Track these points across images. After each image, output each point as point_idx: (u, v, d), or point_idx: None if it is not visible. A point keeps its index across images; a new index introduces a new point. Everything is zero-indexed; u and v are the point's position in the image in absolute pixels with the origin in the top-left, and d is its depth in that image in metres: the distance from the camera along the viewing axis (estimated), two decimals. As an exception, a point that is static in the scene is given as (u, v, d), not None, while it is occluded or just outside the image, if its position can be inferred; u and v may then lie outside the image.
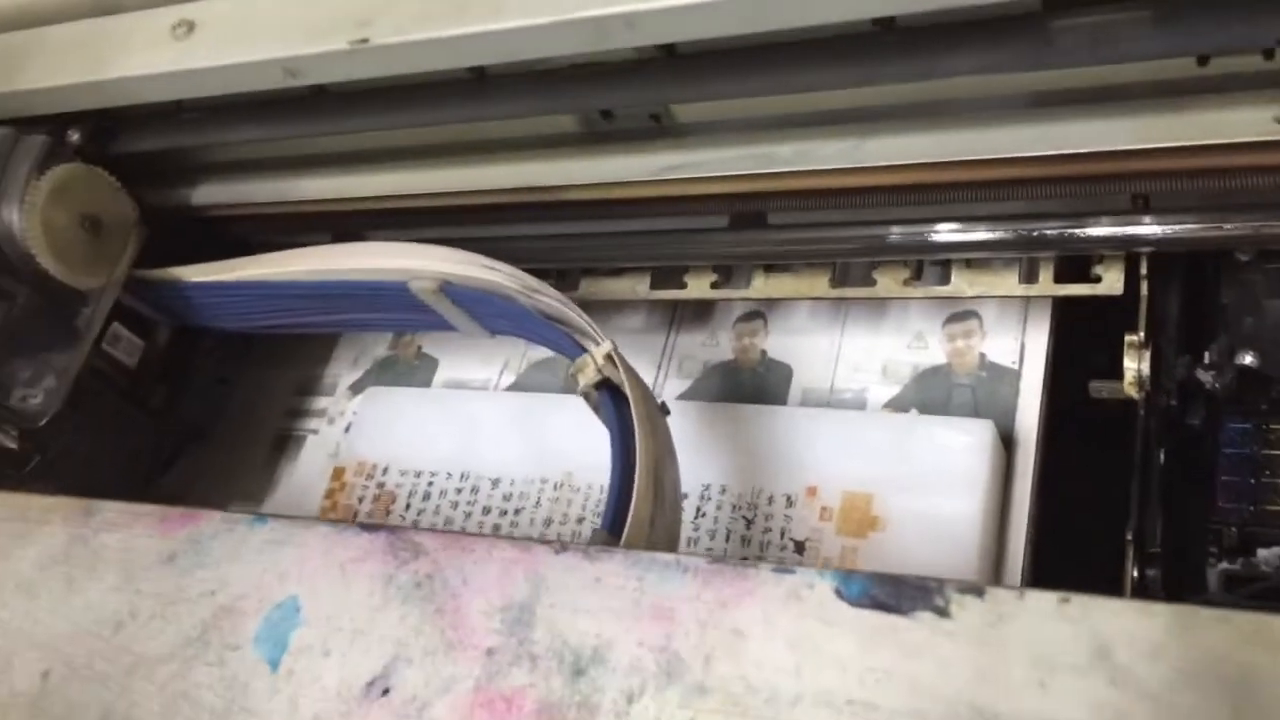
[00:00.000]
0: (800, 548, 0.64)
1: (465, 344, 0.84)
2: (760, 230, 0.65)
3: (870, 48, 0.53)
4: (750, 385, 0.74)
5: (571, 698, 0.46)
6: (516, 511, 0.72)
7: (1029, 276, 0.63)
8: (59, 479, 0.73)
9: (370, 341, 0.89)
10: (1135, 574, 0.55)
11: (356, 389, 0.87)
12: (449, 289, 0.66)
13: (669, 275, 0.72)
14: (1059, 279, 0.62)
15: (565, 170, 0.65)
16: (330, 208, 0.74)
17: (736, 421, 0.69)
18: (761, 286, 0.69)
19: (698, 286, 0.71)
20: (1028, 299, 0.67)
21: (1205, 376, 0.59)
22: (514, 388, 0.80)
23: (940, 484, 0.62)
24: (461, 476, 0.75)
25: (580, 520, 0.71)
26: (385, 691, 0.50)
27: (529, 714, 0.47)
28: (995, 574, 0.61)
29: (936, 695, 0.41)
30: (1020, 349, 0.68)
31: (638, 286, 0.73)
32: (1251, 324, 0.60)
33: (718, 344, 0.77)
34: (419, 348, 0.87)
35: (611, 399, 0.60)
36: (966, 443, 0.63)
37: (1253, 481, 0.57)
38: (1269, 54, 0.49)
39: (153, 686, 0.55)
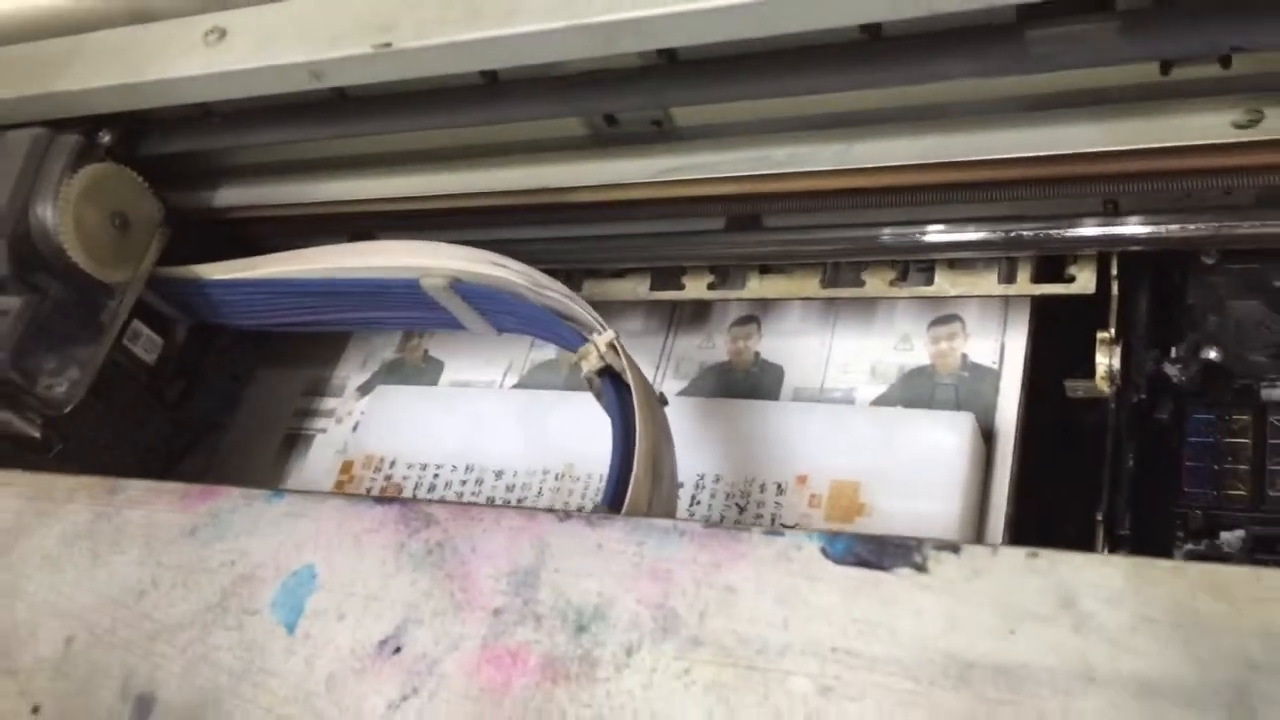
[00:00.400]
0: (790, 532, 0.67)
1: (470, 347, 0.87)
2: (755, 232, 0.69)
3: (859, 55, 0.57)
4: (744, 385, 0.77)
5: (574, 652, 0.49)
6: (519, 501, 0.75)
7: (1008, 277, 0.66)
8: (79, 467, 0.76)
9: (378, 344, 0.92)
10: (1105, 554, 0.59)
11: (364, 390, 0.90)
12: (459, 286, 0.70)
13: (668, 277, 0.75)
14: (1036, 279, 0.66)
15: (571, 173, 0.69)
16: (344, 209, 0.77)
17: (730, 415, 0.73)
18: (756, 287, 0.73)
19: (695, 287, 0.74)
20: (1007, 300, 0.71)
21: (1172, 370, 0.62)
22: (517, 389, 0.84)
23: (924, 473, 0.65)
24: (466, 469, 0.78)
25: (581, 509, 0.74)
26: (397, 650, 0.53)
27: (534, 668, 0.50)
28: (975, 556, 0.64)
29: (914, 643, 0.44)
30: (1000, 350, 0.72)
31: (638, 288, 0.76)
32: (1216, 323, 0.64)
33: (714, 346, 0.80)
34: (425, 351, 0.90)
35: (613, 386, 0.63)
36: (948, 434, 0.66)
37: (1216, 468, 0.60)
38: (1226, 63, 0.53)
39: (174, 650, 0.57)
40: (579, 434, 0.75)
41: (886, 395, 0.73)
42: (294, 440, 0.91)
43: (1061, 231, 0.62)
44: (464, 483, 0.78)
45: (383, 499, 0.59)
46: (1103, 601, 0.43)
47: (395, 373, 0.90)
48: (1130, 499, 0.61)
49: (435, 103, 0.67)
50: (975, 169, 0.60)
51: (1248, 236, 0.58)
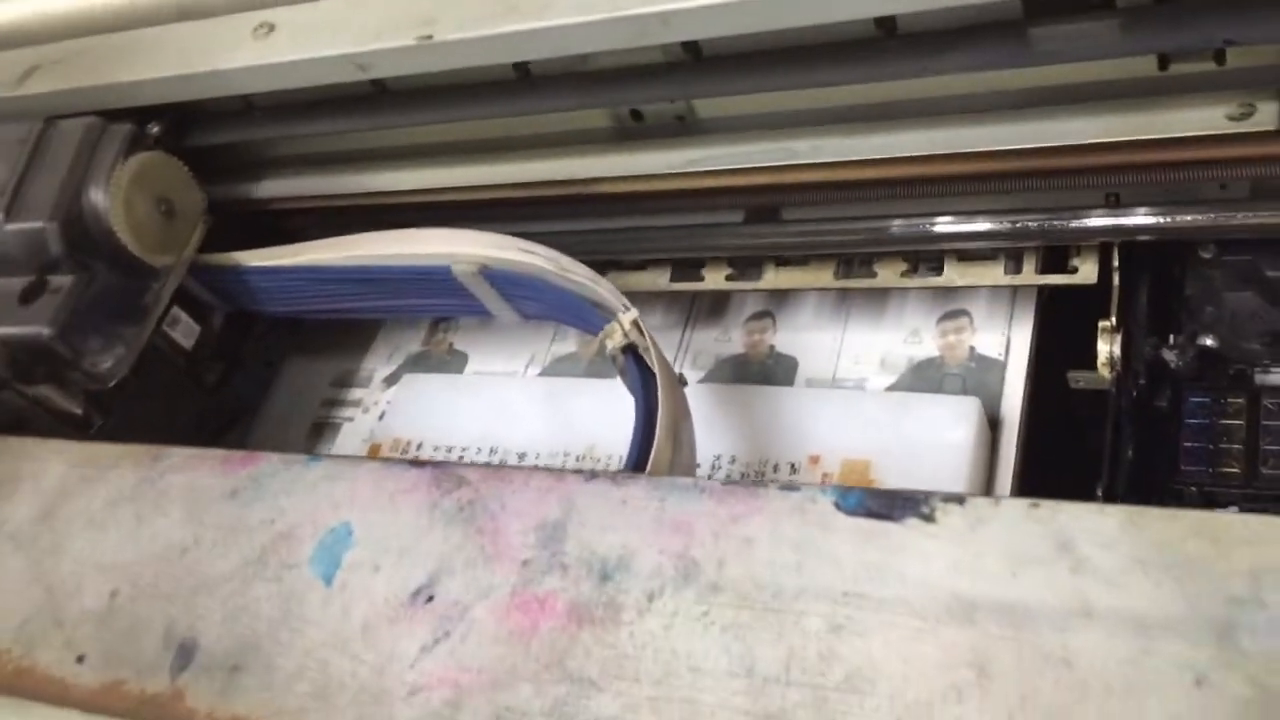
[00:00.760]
0: (802, 509, 0.70)
1: (494, 339, 0.91)
2: (773, 224, 0.72)
3: (874, 50, 0.60)
4: (759, 376, 0.80)
5: (599, 598, 0.52)
6: (541, 481, 0.78)
7: (1014, 268, 0.70)
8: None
9: (404, 338, 0.96)
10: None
11: (390, 381, 0.94)
12: (488, 271, 0.73)
13: (688, 269, 0.79)
14: (1041, 271, 0.69)
15: (597, 165, 0.73)
16: (378, 201, 0.81)
17: (746, 400, 0.76)
18: (773, 278, 0.76)
19: (714, 279, 0.78)
20: (1014, 295, 0.74)
21: (1170, 355, 0.65)
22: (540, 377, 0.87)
23: (931, 452, 0.68)
24: (490, 451, 0.81)
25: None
26: (430, 598, 0.56)
27: (560, 613, 0.52)
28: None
29: (921, 585, 0.47)
30: (1006, 343, 0.75)
31: (659, 279, 0.80)
32: (1212, 313, 0.67)
33: (730, 339, 0.83)
34: (451, 344, 0.93)
35: (636, 362, 0.66)
36: (955, 416, 0.69)
37: (1212, 448, 0.63)
38: (1220, 59, 0.57)
39: (215, 602, 0.60)
40: (600, 418, 0.78)
41: (896, 385, 0.76)
42: (321, 428, 0.94)
43: (1065, 223, 0.65)
44: (488, 465, 0.81)
45: (416, 462, 0.62)
46: (1099, 546, 0.46)
47: (421, 365, 0.93)
48: (1129, 477, 0.63)
49: (471, 96, 0.71)
50: (981, 160, 0.63)
51: (1243, 226, 0.61)
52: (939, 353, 0.76)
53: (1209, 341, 0.65)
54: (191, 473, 0.67)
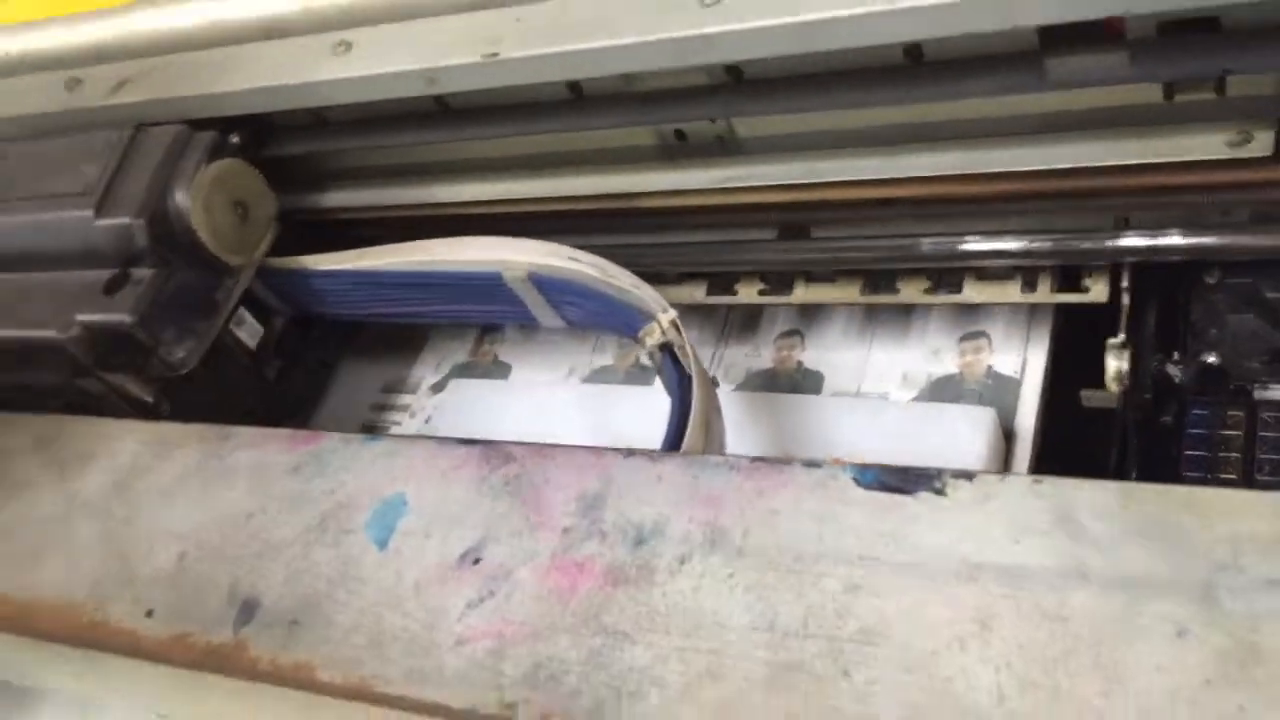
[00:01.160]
0: (825, 507, 0.74)
1: (536, 350, 0.96)
2: (804, 240, 0.78)
3: (901, 75, 0.66)
4: (788, 389, 0.85)
5: (633, 562, 0.57)
6: (578, 478, 0.83)
7: (1030, 287, 0.74)
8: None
9: (452, 348, 1.01)
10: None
11: (437, 389, 0.99)
12: (536, 277, 0.79)
13: (723, 283, 0.84)
14: (1055, 290, 0.74)
15: (642, 181, 0.78)
16: (436, 212, 0.87)
17: (773, 408, 0.80)
18: (802, 294, 0.81)
19: (747, 293, 0.83)
20: (1030, 316, 0.78)
21: (1174, 370, 0.69)
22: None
23: (949, 457, 0.72)
24: (531, 450, 0.86)
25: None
26: (476, 561, 0.60)
27: (598, 574, 0.57)
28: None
29: (931, 551, 0.51)
30: (1023, 363, 0.79)
31: (695, 293, 0.85)
32: (1215, 334, 0.71)
33: (760, 355, 0.88)
34: (495, 355, 0.99)
35: (672, 360, 0.71)
36: (972, 424, 0.73)
37: (1211, 456, 0.67)
38: (1220, 89, 0.62)
39: (277, 564, 0.65)
40: (636, 420, 0.82)
41: (917, 399, 0.80)
42: (371, 430, 0.99)
43: (1078, 244, 0.70)
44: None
45: (467, 440, 0.67)
46: (1096, 517, 0.50)
47: (467, 374, 0.99)
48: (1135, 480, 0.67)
49: (528, 114, 0.77)
50: (998, 181, 0.68)
51: (1245, 249, 0.66)
52: (958, 370, 0.80)
53: (1212, 359, 0.69)
54: (257, 450, 0.73)
